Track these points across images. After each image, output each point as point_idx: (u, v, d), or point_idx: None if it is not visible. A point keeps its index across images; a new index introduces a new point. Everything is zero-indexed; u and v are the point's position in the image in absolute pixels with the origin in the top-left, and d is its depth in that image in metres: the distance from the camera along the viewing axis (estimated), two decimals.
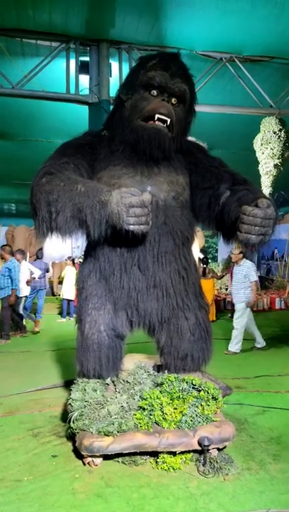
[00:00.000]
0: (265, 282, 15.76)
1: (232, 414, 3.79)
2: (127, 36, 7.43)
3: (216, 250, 21.18)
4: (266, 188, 8.32)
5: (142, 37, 7.37)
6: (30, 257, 15.47)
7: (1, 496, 2.59)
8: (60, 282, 15.82)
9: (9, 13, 6.67)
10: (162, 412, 2.95)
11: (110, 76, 7.86)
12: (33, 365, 5.95)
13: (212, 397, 3.09)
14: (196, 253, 6.74)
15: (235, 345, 6.75)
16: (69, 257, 11.33)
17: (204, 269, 9.76)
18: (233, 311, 10.30)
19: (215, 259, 20.96)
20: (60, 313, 10.86)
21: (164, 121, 3.07)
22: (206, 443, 2.81)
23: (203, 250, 10.55)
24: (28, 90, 7.61)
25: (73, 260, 11.12)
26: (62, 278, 11.20)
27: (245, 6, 6.30)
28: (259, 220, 2.61)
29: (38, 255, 11.00)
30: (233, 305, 12.37)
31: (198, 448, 2.86)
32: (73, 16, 6.84)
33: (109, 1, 6.36)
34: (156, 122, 3.07)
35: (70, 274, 10.52)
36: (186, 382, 3.16)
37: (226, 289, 15.19)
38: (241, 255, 7.17)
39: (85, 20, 7.01)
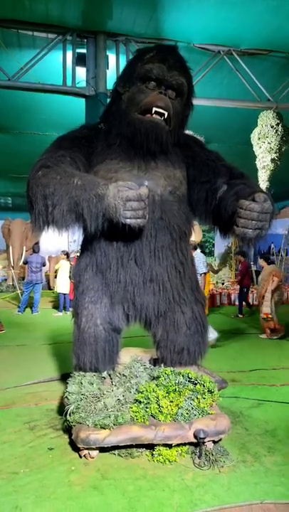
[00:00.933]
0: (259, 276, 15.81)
1: (227, 407, 3.82)
2: (125, 28, 7.35)
3: (213, 245, 21.21)
4: (263, 183, 8.31)
5: (139, 29, 7.30)
6: (26, 250, 15.48)
7: None
8: (56, 276, 15.86)
9: (5, 3, 6.58)
10: (158, 405, 2.97)
11: (107, 68, 7.79)
12: (29, 358, 5.96)
13: (208, 391, 3.11)
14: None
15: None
16: (63, 251, 11.28)
17: (268, 264, 9.79)
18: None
19: (212, 253, 21.01)
20: (57, 307, 10.87)
21: (161, 115, 3.05)
22: (202, 435, 2.84)
23: (200, 245, 10.55)
24: (25, 82, 7.53)
25: (67, 254, 11.06)
26: (57, 272, 11.17)
27: None
28: (256, 215, 2.61)
29: (35, 249, 10.97)
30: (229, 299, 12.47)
31: (194, 440, 2.88)
32: (70, 7, 6.76)
33: None
34: (154, 115, 3.05)
35: (64, 268, 10.50)
36: (182, 376, 3.18)
37: (223, 284, 15.26)
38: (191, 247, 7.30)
39: (82, 12, 6.93)
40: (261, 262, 8.37)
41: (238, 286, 10.89)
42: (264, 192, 2.86)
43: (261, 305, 7.74)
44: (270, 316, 7.49)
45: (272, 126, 8.03)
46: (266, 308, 7.57)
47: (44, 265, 11.14)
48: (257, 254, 17.00)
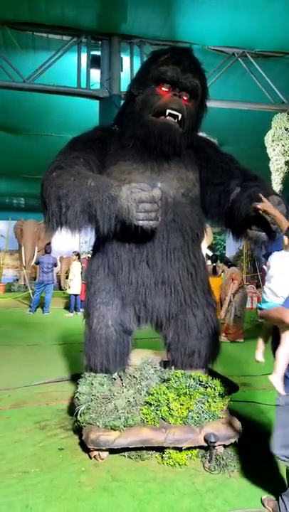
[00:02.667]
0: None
1: (238, 412, 3.78)
2: (139, 31, 7.38)
3: (224, 247, 21.09)
4: (277, 185, 8.24)
5: (153, 31, 7.31)
6: (38, 251, 15.61)
7: (9, 486, 2.63)
8: (67, 277, 15.95)
9: (21, 6, 6.66)
10: (169, 407, 2.96)
11: (121, 71, 7.82)
12: (40, 358, 5.99)
13: (219, 394, 3.09)
14: (204, 250, 6.70)
15: None
16: (74, 252, 11.31)
17: (214, 267, 9.72)
18: None
19: (222, 256, 20.88)
20: (68, 308, 10.92)
21: (175, 117, 3.05)
22: (212, 439, 2.82)
23: (211, 248, 10.50)
24: (39, 84, 7.60)
25: (78, 255, 11.08)
26: (68, 272, 11.22)
27: (259, 1, 6.22)
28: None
29: (47, 250, 11.04)
30: None
31: (204, 444, 2.87)
32: (85, 10, 6.81)
33: None
34: (167, 117, 3.05)
35: (75, 268, 10.54)
36: (193, 379, 3.16)
37: None
38: None
39: (97, 15, 6.98)
40: (222, 266, 8.19)
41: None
42: (277, 195, 2.84)
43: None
44: (222, 320, 7.31)
45: (286, 129, 7.97)
46: (221, 312, 7.41)
47: (55, 266, 11.21)
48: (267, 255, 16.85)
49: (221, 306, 7.46)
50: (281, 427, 2.24)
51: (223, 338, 7.21)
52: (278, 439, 2.23)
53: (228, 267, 8.04)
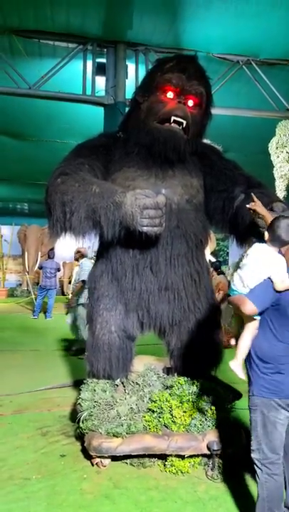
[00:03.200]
0: None
1: (241, 419, 3.75)
2: (144, 38, 7.42)
3: (227, 253, 21.05)
4: (281, 192, 8.23)
5: (158, 39, 7.35)
6: (41, 256, 15.63)
7: (10, 493, 2.61)
8: (70, 282, 15.92)
9: (27, 14, 6.72)
10: (171, 414, 2.94)
11: (127, 78, 7.86)
12: (42, 363, 5.98)
13: (222, 402, 3.07)
14: (208, 256, 6.62)
15: None
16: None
17: (218, 274, 9.68)
18: None
19: (226, 262, 20.84)
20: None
21: (179, 124, 3.06)
22: (215, 447, 2.80)
23: (214, 254, 10.46)
24: (45, 91, 7.65)
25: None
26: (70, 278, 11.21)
27: (264, 9, 6.25)
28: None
29: (50, 255, 11.06)
30: None
31: (207, 452, 2.84)
32: (91, 17, 6.86)
33: (127, 3, 6.37)
34: (172, 124, 3.07)
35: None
36: (196, 386, 3.14)
37: None
38: (80, 254, 6.80)
39: (103, 22, 7.03)
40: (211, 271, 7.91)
41: None
42: (281, 201, 2.84)
43: None
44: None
45: None
46: None
47: (58, 271, 11.21)
48: None
49: None
50: (252, 429, 2.24)
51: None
52: (253, 443, 2.22)
53: (218, 274, 7.69)
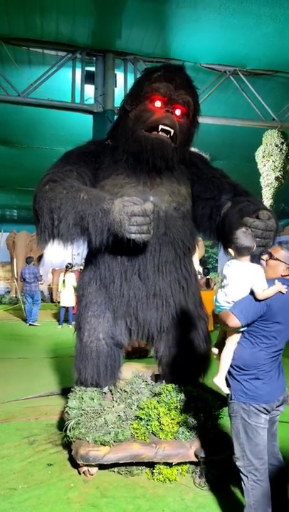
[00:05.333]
0: None
1: (229, 427, 3.75)
2: (133, 47, 7.50)
3: (216, 260, 21.16)
4: (267, 200, 8.34)
5: (147, 48, 7.44)
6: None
7: None
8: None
9: (17, 22, 6.75)
10: (159, 422, 2.93)
11: (115, 86, 7.92)
12: (30, 372, 5.92)
13: (210, 409, 3.08)
14: (196, 266, 6.61)
15: None
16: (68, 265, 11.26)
17: (207, 280, 9.73)
18: None
19: (215, 269, 20.93)
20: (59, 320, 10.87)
21: (167, 132, 3.10)
22: (203, 455, 2.80)
23: (202, 261, 10.52)
24: (34, 98, 7.66)
25: (67, 267, 10.97)
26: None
27: (250, 21, 6.38)
28: (260, 232, 2.64)
29: (27, 261, 11.07)
30: None
31: (195, 460, 2.84)
32: (80, 26, 6.92)
33: (116, 13, 6.44)
34: (160, 133, 3.10)
35: (69, 280, 10.47)
36: (184, 393, 3.15)
37: None
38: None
39: (92, 31, 7.09)
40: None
41: None
42: (268, 209, 2.88)
43: None
44: None
45: (276, 145, 8.10)
46: None
47: (38, 276, 11.06)
48: None
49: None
50: (234, 436, 2.25)
51: None
52: (236, 450, 2.23)
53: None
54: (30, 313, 10.68)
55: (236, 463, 2.23)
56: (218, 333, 2.56)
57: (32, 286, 10.74)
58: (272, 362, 2.24)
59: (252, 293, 2.20)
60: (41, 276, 11.59)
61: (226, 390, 2.29)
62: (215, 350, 2.54)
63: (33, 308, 10.70)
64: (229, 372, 2.28)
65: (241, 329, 2.25)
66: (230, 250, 2.36)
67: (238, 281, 2.27)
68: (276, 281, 2.21)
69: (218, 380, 2.29)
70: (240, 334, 2.28)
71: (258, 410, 2.18)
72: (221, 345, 2.42)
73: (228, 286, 2.32)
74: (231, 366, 2.27)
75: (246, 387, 2.21)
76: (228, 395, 2.30)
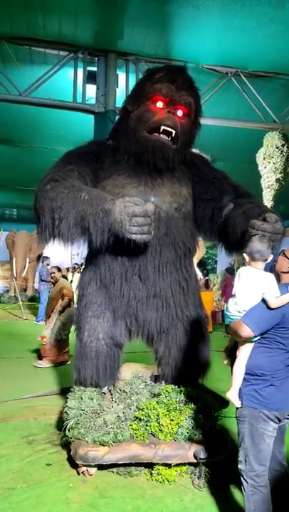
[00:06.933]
0: None
1: (228, 428, 3.76)
2: (135, 48, 7.51)
3: (216, 261, 21.16)
4: (268, 202, 8.34)
5: (149, 49, 7.45)
6: (29, 262, 15.54)
7: None
8: None
9: (19, 21, 6.76)
10: (158, 423, 2.93)
11: (117, 87, 7.93)
12: (28, 371, 5.92)
13: (209, 410, 3.08)
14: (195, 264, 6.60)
15: None
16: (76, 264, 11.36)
17: (206, 281, 9.74)
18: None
19: (214, 270, 20.93)
20: None
21: (169, 133, 3.10)
22: (202, 456, 2.79)
23: (201, 262, 10.53)
24: (36, 98, 7.67)
25: (74, 268, 11.06)
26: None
27: (252, 22, 6.39)
28: (268, 235, 2.63)
29: (42, 260, 11.10)
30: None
31: (194, 461, 2.84)
32: (82, 26, 6.93)
33: (118, 14, 6.46)
34: (161, 135, 3.10)
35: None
36: (184, 394, 3.15)
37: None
38: None
39: (94, 31, 7.10)
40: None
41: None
42: (273, 212, 2.88)
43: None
44: (44, 341, 6.25)
45: (277, 147, 8.11)
46: (46, 331, 6.33)
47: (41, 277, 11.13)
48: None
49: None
50: (240, 440, 2.24)
51: (39, 362, 6.24)
52: (240, 454, 2.22)
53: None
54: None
55: (238, 466, 2.22)
56: (228, 342, 2.51)
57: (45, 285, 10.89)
58: (287, 368, 2.19)
59: (264, 301, 2.14)
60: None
61: (237, 404, 2.23)
62: (225, 361, 2.51)
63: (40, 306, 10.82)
64: (243, 379, 2.24)
65: (254, 339, 2.19)
66: (244, 255, 2.33)
67: (250, 289, 2.21)
68: None
69: (232, 395, 2.23)
70: (253, 344, 2.21)
71: (268, 418, 2.14)
72: (228, 352, 2.39)
73: (239, 294, 2.26)
74: (245, 373, 2.22)
75: (260, 394, 2.15)
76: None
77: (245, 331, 2.13)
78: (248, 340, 2.19)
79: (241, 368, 2.22)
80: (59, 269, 6.98)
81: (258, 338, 2.20)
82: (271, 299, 2.11)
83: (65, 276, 7.27)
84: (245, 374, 2.22)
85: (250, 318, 2.15)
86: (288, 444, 2.48)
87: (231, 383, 2.24)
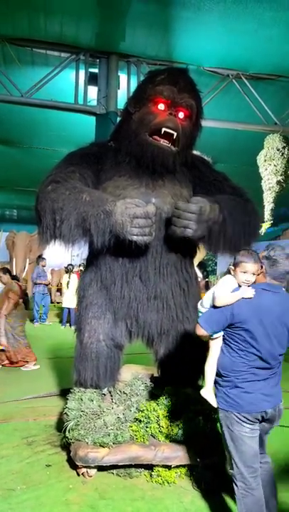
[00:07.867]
0: None
1: None
2: (137, 50, 7.53)
3: (216, 263, 21.16)
4: (268, 204, 8.36)
5: (150, 51, 7.47)
6: (29, 263, 15.51)
7: None
8: (58, 290, 15.83)
9: (21, 22, 6.77)
10: (159, 424, 2.93)
11: (118, 88, 7.94)
12: (29, 372, 5.91)
13: (209, 411, 3.07)
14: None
15: None
16: (73, 265, 11.39)
17: (207, 282, 9.75)
18: None
19: (214, 272, 20.94)
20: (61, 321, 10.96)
21: (170, 135, 3.10)
22: (202, 458, 2.79)
23: (202, 263, 10.52)
24: (37, 99, 7.68)
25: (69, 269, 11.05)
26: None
27: (253, 25, 6.40)
28: (179, 212, 2.76)
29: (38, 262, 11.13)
30: None
31: (194, 462, 2.83)
32: (84, 28, 6.94)
33: (120, 15, 6.47)
34: (162, 140, 3.10)
35: (74, 282, 10.47)
36: (184, 395, 3.14)
37: None
38: None
39: (96, 33, 7.12)
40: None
41: None
42: (203, 197, 2.94)
43: None
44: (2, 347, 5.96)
45: (278, 149, 8.12)
46: (2, 339, 5.96)
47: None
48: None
49: None
50: (224, 444, 2.25)
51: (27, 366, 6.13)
52: (227, 457, 2.23)
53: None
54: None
55: (228, 469, 2.22)
56: None
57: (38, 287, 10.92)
58: (255, 371, 2.17)
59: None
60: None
61: (213, 403, 2.27)
62: None
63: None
64: (215, 381, 2.28)
65: (214, 337, 2.26)
66: (231, 268, 2.36)
67: (210, 291, 2.32)
68: (243, 287, 2.20)
69: (205, 392, 2.29)
70: (219, 343, 2.28)
71: (240, 420, 2.14)
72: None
73: (205, 296, 2.39)
74: (216, 375, 2.27)
75: (228, 396, 2.18)
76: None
77: (199, 330, 2.25)
78: (210, 339, 2.28)
79: (211, 366, 2.28)
80: (7, 272, 6.61)
81: (219, 336, 2.26)
82: (215, 297, 2.20)
83: (16, 278, 6.98)
84: (216, 376, 2.27)
85: (202, 317, 2.26)
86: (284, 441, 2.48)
87: (204, 382, 2.32)
